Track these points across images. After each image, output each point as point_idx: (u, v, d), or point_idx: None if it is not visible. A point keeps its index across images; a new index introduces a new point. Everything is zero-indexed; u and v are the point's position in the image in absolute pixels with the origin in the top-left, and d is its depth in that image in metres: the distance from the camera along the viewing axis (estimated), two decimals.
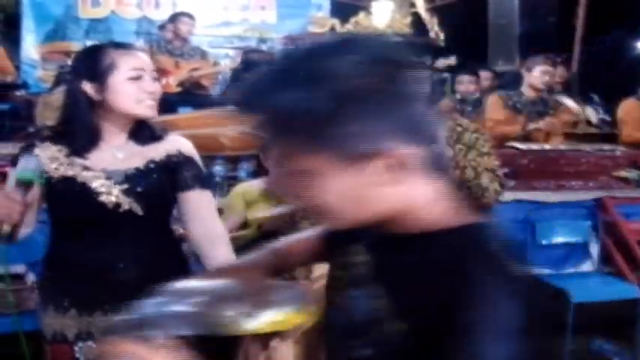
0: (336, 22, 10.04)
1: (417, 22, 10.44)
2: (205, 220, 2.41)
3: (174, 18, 7.33)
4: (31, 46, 9.20)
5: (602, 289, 4.38)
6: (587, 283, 4.41)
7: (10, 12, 9.56)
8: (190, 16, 7.33)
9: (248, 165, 4.33)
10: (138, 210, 2.25)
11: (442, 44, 10.10)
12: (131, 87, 2.24)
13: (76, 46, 8.70)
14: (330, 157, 0.99)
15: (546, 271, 4.51)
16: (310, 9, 10.28)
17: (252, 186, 3.78)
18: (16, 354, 2.98)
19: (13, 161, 2.28)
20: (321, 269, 2.91)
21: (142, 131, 2.35)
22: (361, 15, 10.12)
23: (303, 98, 0.97)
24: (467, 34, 9.78)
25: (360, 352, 1.12)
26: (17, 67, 8.71)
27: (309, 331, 3.12)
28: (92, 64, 2.22)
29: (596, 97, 7.04)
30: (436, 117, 1.06)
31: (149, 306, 1.27)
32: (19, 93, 6.99)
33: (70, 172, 2.23)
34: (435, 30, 10.38)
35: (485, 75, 7.11)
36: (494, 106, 5.45)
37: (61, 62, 7.58)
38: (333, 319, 1.23)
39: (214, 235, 2.41)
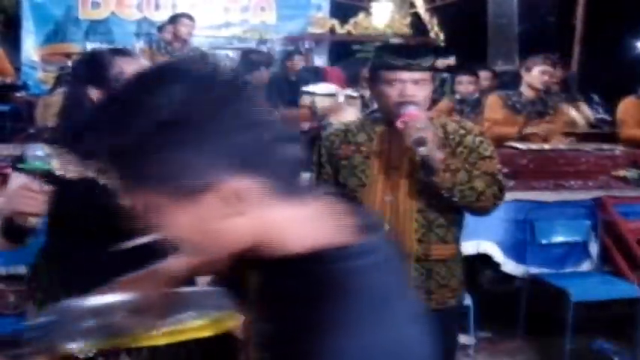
0: (335, 22, 10.07)
1: (417, 22, 10.47)
2: None
3: (174, 19, 7.35)
4: (31, 47, 9.23)
5: (601, 289, 4.37)
6: (587, 282, 4.40)
7: (10, 13, 9.59)
8: (190, 18, 7.34)
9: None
10: None
11: (442, 44, 10.13)
12: None
13: (76, 47, 8.73)
14: (162, 193, 0.94)
15: (546, 270, 4.52)
16: (310, 10, 10.30)
17: None
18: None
19: (15, 163, 2.27)
20: None
21: None
22: (361, 15, 10.15)
23: (121, 134, 0.92)
24: (466, 35, 9.80)
25: None
26: (17, 69, 8.73)
27: None
28: (99, 70, 2.23)
29: (596, 97, 7.05)
30: (284, 138, 0.99)
31: (54, 319, 1.29)
32: (20, 94, 7.02)
33: (89, 174, 2.24)
34: (435, 30, 10.41)
35: (484, 75, 7.10)
36: (493, 106, 5.44)
37: (61, 64, 7.61)
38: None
39: None
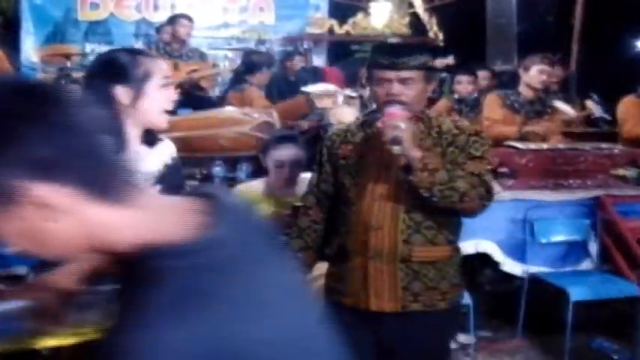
0: (334, 22, 10.06)
1: (416, 22, 10.47)
2: None
3: (173, 20, 7.35)
4: (30, 48, 9.22)
5: (601, 288, 4.37)
6: (587, 281, 4.41)
7: (9, 15, 9.57)
8: (189, 18, 7.35)
9: (247, 166, 4.35)
10: None
11: (441, 44, 10.13)
12: (162, 95, 2.28)
13: (76, 48, 8.73)
14: None
15: (545, 269, 4.52)
16: (308, 10, 10.29)
17: (251, 186, 3.81)
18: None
19: None
20: (321, 269, 2.93)
21: (149, 134, 2.37)
22: (359, 16, 10.15)
23: None
24: (465, 34, 9.80)
25: None
26: (17, 70, 8.72)
27: None
28: (127, 69, 2.23)
29: (595, 96, 7.05)
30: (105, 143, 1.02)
31: None
32: None
33: None
34: (434, 30, 10.40)
35: (483, 75, 7.11)
36: (491, 105, 5.45)
37: (60, 64, 7.59)
38: None
39: None
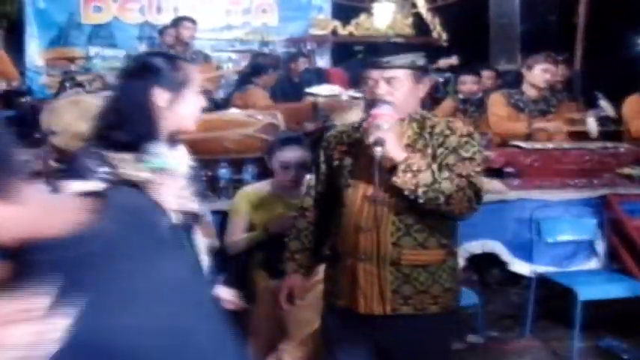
0: (337, 23, 10.06)
1: (419, 22, 10.46)
2: None
3: (176, 23, 7.36)
4: (34, 52, 9.25)
5: (609, 287, 4.36)
6: (594, 280, 4.39)
7: (13, 19, 9.60)
8: (192, 21, 7.35)
9: (253, 168, 4.34)
10: (200, 211, 2.31)
11: (445, 44, 10.12)
12: (198, 101, 2.28)
13: (79, 51, 8.76)
14: None
15: (553, 269, 4.51)
16: (311, 11, 10.30)
17: (257, 188, 3.80)
18: None
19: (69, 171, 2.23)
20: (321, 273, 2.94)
21: (171, 136, 2.37)
22: (362, 16, 10.14)
23: None
24: (468, 34, 9.78)
25: None
26: (22, 74, 8.75)
27: (315, 334, 3.14)
28: (168, 73, 2.22)
29: (601, 95, 7.04)
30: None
31: None
32: (24, 99, 7.01)
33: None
34: (438, 30, 10.40)
35: (487, 74, 7.09)
36: (496, 104, 5.45)
37: (64, 68, 7.60)
38: None
39: None
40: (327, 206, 2.78)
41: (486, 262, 4.66)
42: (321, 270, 2.96)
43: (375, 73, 2.53)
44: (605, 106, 5.53)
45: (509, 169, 4.80)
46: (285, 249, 2.90)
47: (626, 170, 4.89)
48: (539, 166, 4.78)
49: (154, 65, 2.24)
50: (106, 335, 0.98)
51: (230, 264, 3.76)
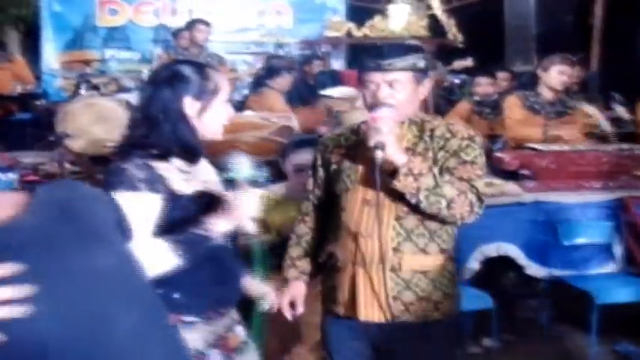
0: (352, 25, 10.05)
1: (435, 24, 10.43)
2: None
3: (190, 25, 7.37)
4: (50, 55, 9.33)
5: (626, 290, 4.31)
6: (611, 284, 4.35)
7: (30, 22, 9.68)
8: (206, 23, 7.36)
9: (267, 170, 4.33)
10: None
11: (460, 46, 10.09)
12: (225, 111, 2.29)
13: (95, 54, 8.81)
14: None
15: (569, 272, 4.47)
16: (326, 13, 10.31)
17: (270, 191, 3.79)
18: None
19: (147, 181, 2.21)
20: None
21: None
22: (377, 18, 10.12)
23: None
24: (483, 36, 9.74)
25: None
26: (38, 77, 8.82)
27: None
28: (199, 83, 2.23)
29: (617, 96, 6.99)
30: None
31: None
32: (39, 102, 7.06)
33: (202, 186, 2.26)
34: (453, 32, 10.36)
35: (502, 76, 7.06)
36: (512, 107, 5.42)
37: (80, 71, 7.64)
38: None
39: None
40: (326, 211, 2.73)
41: (502, 265, 4.62)
42: None
43: (376, 76, 2.47)
44: (620, 111, 5.49)
45: (524, 172, 4.77)
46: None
47: None
48: (555, 169, 4.74)
49: (184, 75, 2.24)
50: (21, 324, 1.01)
51: (245, 266, 3.76)
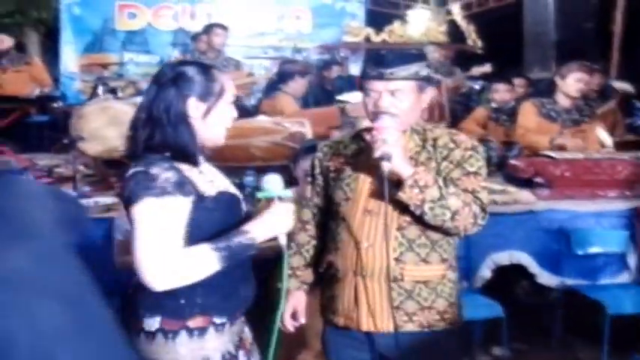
0: (370, 31, 10.05)
1: (454, 30, 10.40)
2: None
3: (208, 29, 7.39)
4: (70, 58, 9.40)
5: (639, 301, 4.26)
6: (625, 294, 4.28)
7: (50, 25, 9.77)
8: (224, 27, 7.37)
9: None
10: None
11: (480, 52, 10.05)
12: (230, 113, 2.29)
13: (113, 57, 8.86)
14: None
15: (582, 282, 4.42)
16: (345, 18, 10.31)
17: None
18: None
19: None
20: None
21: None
22: (396, 24, 10.12)
23: None
24: (502, 42, 9.69)
25: None
26: (57, 79, 8.89)
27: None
28: (207, 84, 2.22)
29: (638, 103, 6.93)
30: None
31: None
32: (57, 105, 7.11)
33: (221, 186, 2.27)
34: (473, 38, 10.33)
35: (519, 82, 7.02)
36: (526, 114, 5.38)
37: (98, 74, 7.69)
38: None
39: None
40: (326, 219, 2.70)
41: (515, 273, 4.59)
42: None
43: (378, 85, 2.44)
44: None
45: (538, 179, 4.73)
46: None
47: None
48: (570, 177, 4.70)
49: (189, 75, 2.22)
50: None
51: (254, 271, 3.75)
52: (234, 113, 2.32)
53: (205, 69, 2.27)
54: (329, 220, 2.65)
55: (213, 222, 2.19)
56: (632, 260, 4.50)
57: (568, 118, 5.26)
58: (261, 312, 3.54)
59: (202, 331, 2.21)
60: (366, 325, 2.52)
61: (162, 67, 2.31)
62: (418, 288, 2.48)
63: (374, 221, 2.46)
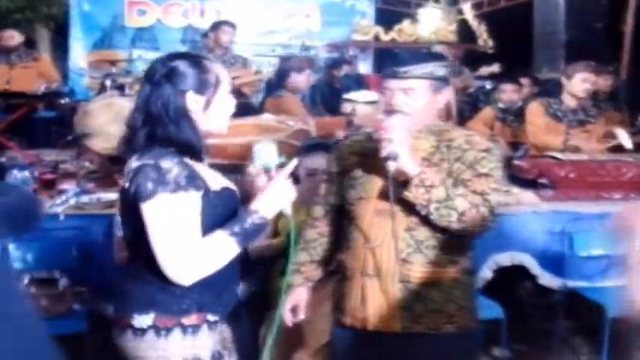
0: (380, 29, 10.03)
1: (464, 29, 10.37)
2: None
3: (215, 27, 7.37)
4: (79, 54, 9.44)
5: None
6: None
7: (60, 21, 9.80)
8: (231, 25, 7.35)
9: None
10: None
11: (490, 51, 10.02)
12: (229, 102, 2.28)
13: (122, 54, 8.88)
14: None
15: (584, 284, 4.39)
16: (354, 16, 10.28)
17: None
18: None
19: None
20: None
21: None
22: (405, 23, 10.09)
23: None
24: (512, 41, 9.66)
25: None
26: (66, 76, 8.92)
27: (329, 345, 3.10)
28: (202, 77, 2.21)
29: None
30: None
31: None
32: (65, 101, 7.13)
33: (224, 182, 2.27)
34: (484, 37, 10.30)
35: (525, 82, 6.99)
36: (535, 114, 5.37)
37: (107, 70, 7.71)
38: None
39: None
40: (338, 218, 2.70)
41: (517, 274, 4.57)
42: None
43: (391, 83, 2.46)
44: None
45: (543, 180, 4.71)
46: None
47: None
48: (574, 178, 4.67)
49: (181, 70, 2.20)
50: None
51: (255, 269, 3.77)
52: (234, 101, 2.31)
53: (197, 61, 2.24)
54: (342, 219, 2.65)
55: (215, 217, 2.18)
56: None
57: (574, 119, 5.25)
58: (260, 309, 3.56)
59: (196, 328, 2.20)
60: (372, 325, 2.52)
61: (153, 64, 2.28)
62: (427, 290, 2.46)
63: (383, 221, 2.45)
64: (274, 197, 2.23)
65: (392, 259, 2.44)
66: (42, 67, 7.44)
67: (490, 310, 4.03)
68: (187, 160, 2.17)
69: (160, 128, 2.17)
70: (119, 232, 3.28)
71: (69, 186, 4.52)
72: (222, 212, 2.20)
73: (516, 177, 4.83)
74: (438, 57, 2.67)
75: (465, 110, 7.66)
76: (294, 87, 6.09)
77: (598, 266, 4.44)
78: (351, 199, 2.57)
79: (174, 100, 2.18)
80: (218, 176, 2.29)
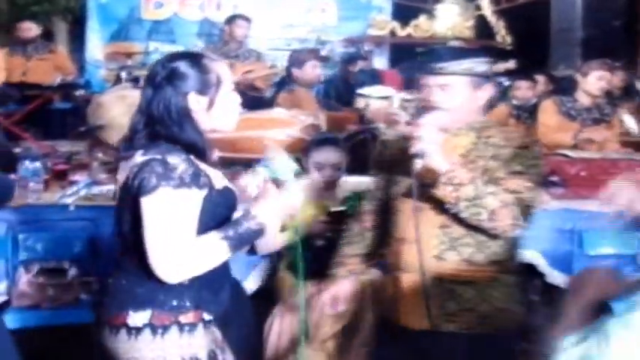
0: (396, 25, 9.98)
1: (482, 25, 10.31)
2: None
3: (230, 20, 7.39)
4: (95, 46, 9.46)
5: None
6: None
7: (77, 14, 9.85)
8: (246, 19, 7.37)
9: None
10: None
11: (508, 48, 9.96)
12: (233, 99, 2.29)
13: (139, 46, 8.91)
14: None
15: None
16: (371, 11, 10.25)
17: None
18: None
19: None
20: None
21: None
22: (422, 18, 10.04)
23: None
24: (529, 38, 9.61)
25: None
26: (82, 67, 8.97)
27: (336, 339, 3.12)
28: (203, 77, 2.21)
29: None
30: None
31: None
32: (80, 92, 7.18)
33: (225, 181, 2.29)
34: (502, 33, 10.23)
35: (540, 79, 6.95)
36: (547, 112, 5.35)
37: (123, 62, 7.75)
38: None
39: None
40: (384, 213, 2.71)
41: (528, 272, 4.55)
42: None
43: (429, 79, 2.45)
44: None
45: (553, 178, 4.69)
46: (329, 252, 2.87)
47: None
48: (586, 176, 4.65)
49: (182, 72, 2.19)
50: None
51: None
52: (238, 98, 2.31)
53: (197, 61, 2.24)
54: (387, 214, 2.66)
55: (214, 216, 2.19)
56: None
57: (588, 117, 5.23)
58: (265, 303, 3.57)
59: (193, 327, 2.19)
60: (403, 320, 2.53)
61: (154, 65, 2.27)
62: (461, 288, 2.45)
63: (420, 218, 2.43)
64: (276, 206, 2.23)
65: (424, 256, 2.42)
66: (58, 60, 7.50)
67: None
68: (193, 158, 2.18)
69: (163, 129, 2.17)
70: None
71: (81, 177, 4.55)
72: (222, 211, 2.22)
73: None
74: (478, 53, 2.60)
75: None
76: (303, 81, 6.09)
77: (607, 265, 4.42)
78: (392, 195, 2.60)
79: (176, 102, 2.17)
80: (220, 175, 2.30)
